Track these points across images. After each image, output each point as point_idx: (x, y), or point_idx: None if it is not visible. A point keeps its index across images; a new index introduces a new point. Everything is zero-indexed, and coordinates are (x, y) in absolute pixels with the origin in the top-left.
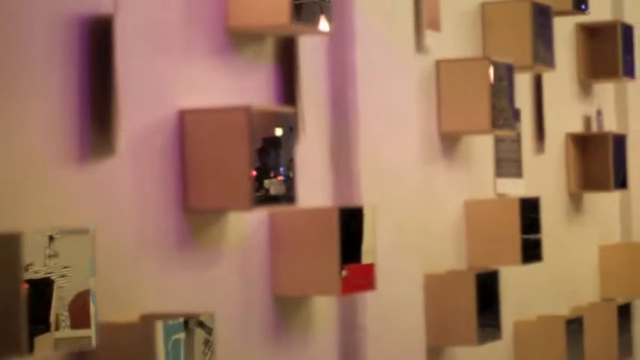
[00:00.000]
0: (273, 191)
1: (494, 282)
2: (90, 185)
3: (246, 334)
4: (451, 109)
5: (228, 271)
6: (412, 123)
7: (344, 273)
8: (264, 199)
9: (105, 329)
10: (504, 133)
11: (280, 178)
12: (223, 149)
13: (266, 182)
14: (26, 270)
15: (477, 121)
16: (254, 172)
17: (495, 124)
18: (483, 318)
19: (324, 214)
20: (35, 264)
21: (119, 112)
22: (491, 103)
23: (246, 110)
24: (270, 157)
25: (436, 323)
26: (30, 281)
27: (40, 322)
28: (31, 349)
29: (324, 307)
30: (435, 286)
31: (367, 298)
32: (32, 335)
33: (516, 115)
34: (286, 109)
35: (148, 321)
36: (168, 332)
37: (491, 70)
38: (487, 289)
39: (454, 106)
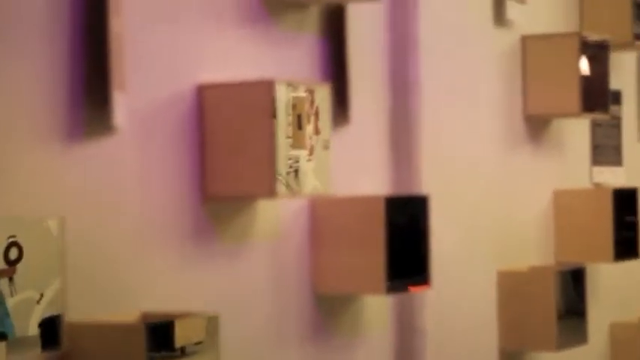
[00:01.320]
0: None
1: (581, 280)
2: (81, 168)
3: (282, 337)
4: (538, 90)
5: (258, 265)
6: (489, 105)
7: None
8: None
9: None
10: (596, 116)
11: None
12: (246, 128)
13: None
14: None
15: (565, 104)
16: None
17: (586, 107)
18: (567, 320)
19: (370, 204)
20: None
21: (117, 83)
22: (581, 84)
23: (270, 85)
24: None
25: (511, 325)
26: None
27: None
28: None
29: (376, 307)
30: (511, 285)
31: (427, 297)
32: None
33: (612, 97)
34: (320, 84)
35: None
36: None
37: (583, 48)
38: (572, 287)
39: (542, 87)
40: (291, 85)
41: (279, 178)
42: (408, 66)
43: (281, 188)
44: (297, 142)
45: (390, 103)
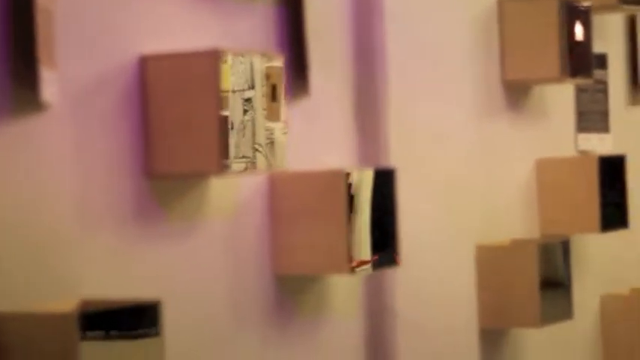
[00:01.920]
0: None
1: (566, 253)
2: (9, 148)
3: (240, 321)
4: (516, 55)
5: (211, 246)
6: (463, 71)
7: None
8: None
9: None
10: (579, 82)
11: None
12: (193, 102)
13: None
14: None
15: (545, 69)
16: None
17: (565, 72)
18: (551, 295)
19: (331, 178)
20: None
21: (45, 58)
22: (562, 48)
23: (216, 54)
24: None
25: (492, 302)
26: None
27: None
28: None
29: (342, 287)
30: (491, 260)
31: (398, 275)
32: None
33: (597, 61)
34: (272, 54)
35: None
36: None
37: (562, 11)
38: (557, 261)
39: (520, 52)
40: (241, 54)
41: (259, 149)
42: (372, 32)
43: (261, 160)
44: (271, 115)
45: (354, 72)
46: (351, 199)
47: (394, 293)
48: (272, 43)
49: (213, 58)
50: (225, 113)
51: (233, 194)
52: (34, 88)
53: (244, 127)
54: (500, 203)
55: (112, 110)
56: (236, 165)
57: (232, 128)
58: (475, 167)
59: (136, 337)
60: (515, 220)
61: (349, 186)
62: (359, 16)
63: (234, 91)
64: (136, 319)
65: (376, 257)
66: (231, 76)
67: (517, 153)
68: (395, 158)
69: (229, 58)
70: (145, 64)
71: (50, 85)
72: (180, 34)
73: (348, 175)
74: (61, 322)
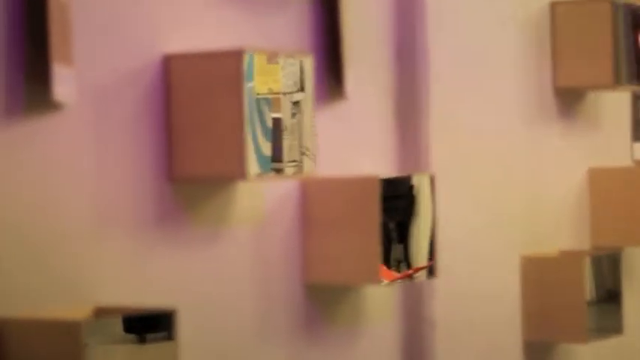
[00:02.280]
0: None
1: (617, 265)
2: (21, 148)
3: (268, 332)
4: (570, 60)
5: (236, 253)
6: (512, 77)
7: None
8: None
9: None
10: (633, 88)
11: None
12: (215, 103)
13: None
14: None
15: (598, 75)
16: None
17: (620, 78)
18: (600, 309)
19: (364, 185)
20: None
21: (59, 56)
22: (614, 54)
23: (239, 54)
24: None
25: (537, 315)
26: None
27: None
28: None
29: (377, 297)
30: (537, 271)
31: (436, 285)
32: None
33: None
34: (303, 54)
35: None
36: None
37: (616, 14)
38: (607, 274)
39: (574, 57)
40: (266, 54)
41: (306, 153)
42: (413, 31)
43: (308, 165)
44: None
45: (393, 74)
46: (411, 202)
47: (432, 303)
48: (305, 43)
49: (237, 58)
50: (277, 115)
51: (261, 200)
52: (47, 86)
53: (293, 131)
54: (548, 213)
55: (133, 111)
56: (288, 169)
57: (285, 130)
58: (523, 175)
59: (148, 341)
60: (563, 231)
61: (411, 188)
62: (399, 13)
63: (284, 94)
64: (151, 327)
65: (431, 263)
66: (283, 78)
67: (568, 161)
68: (436, 165)
69: (281, 60)
70: (168, 63)
71: (65, 83)
72: (207, 33)
73: (383, 180)
74: (67, 330)
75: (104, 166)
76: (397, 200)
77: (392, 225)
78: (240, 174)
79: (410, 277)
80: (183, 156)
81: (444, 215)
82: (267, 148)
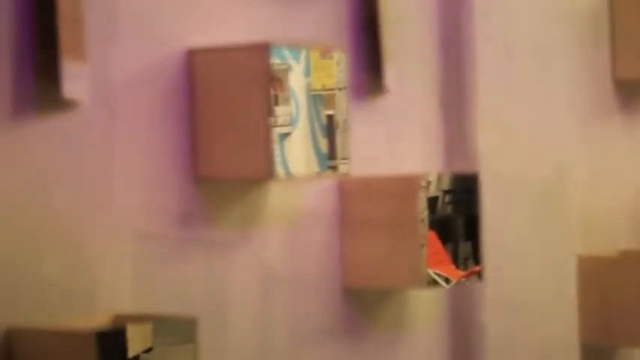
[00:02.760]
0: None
1: None
2: (33, 147)
3: (303, 340)
4: (631, 51)
5: (268, 256)
6: (567, 69)
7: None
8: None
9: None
10: None
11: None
12: (241, 100)
13: None
14: None
15: None
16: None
17: None
18: None
19: (408, 184)
20: None
21: (70, 52)
22: None
23: (265, 48)
24: None
25: (596, 318)
26: None
27: None
28: None
29: (422, 301)
30: (595, 272)
31: (486, 288)
32: None
33: None
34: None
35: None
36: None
37: None
38: None
39: (635, 47)
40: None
41: None
42: (459, 22)
43: None
44: None
45: (437, 67)
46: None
47: (481, 306)
48: (341, 35)
49: (264, 52)
50: (330, 112)
51: (296, 199)
52: (57, 83)
53: (346, 129)
54: (605, 212)
55: (155, 108)
56: (342, 166)
57: (337, 128)
58: (580, 173)
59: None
60: (621, 231)
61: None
62: (443, 2)
63: (339, 89)
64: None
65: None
66: (339, 74)
67: (629, 157)
68: (486, 164)
69: (335, 55)
70: (192, 57)
71: (77, 80)
72: (234, 26)
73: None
74: (78, 341)
75: (122, 167)
76: (464, 195)
77: (460, 221)
78: (266, 174)
79: (477, 274)
80: (208, 154)
81: (493, 216)
82: (324, 146)
